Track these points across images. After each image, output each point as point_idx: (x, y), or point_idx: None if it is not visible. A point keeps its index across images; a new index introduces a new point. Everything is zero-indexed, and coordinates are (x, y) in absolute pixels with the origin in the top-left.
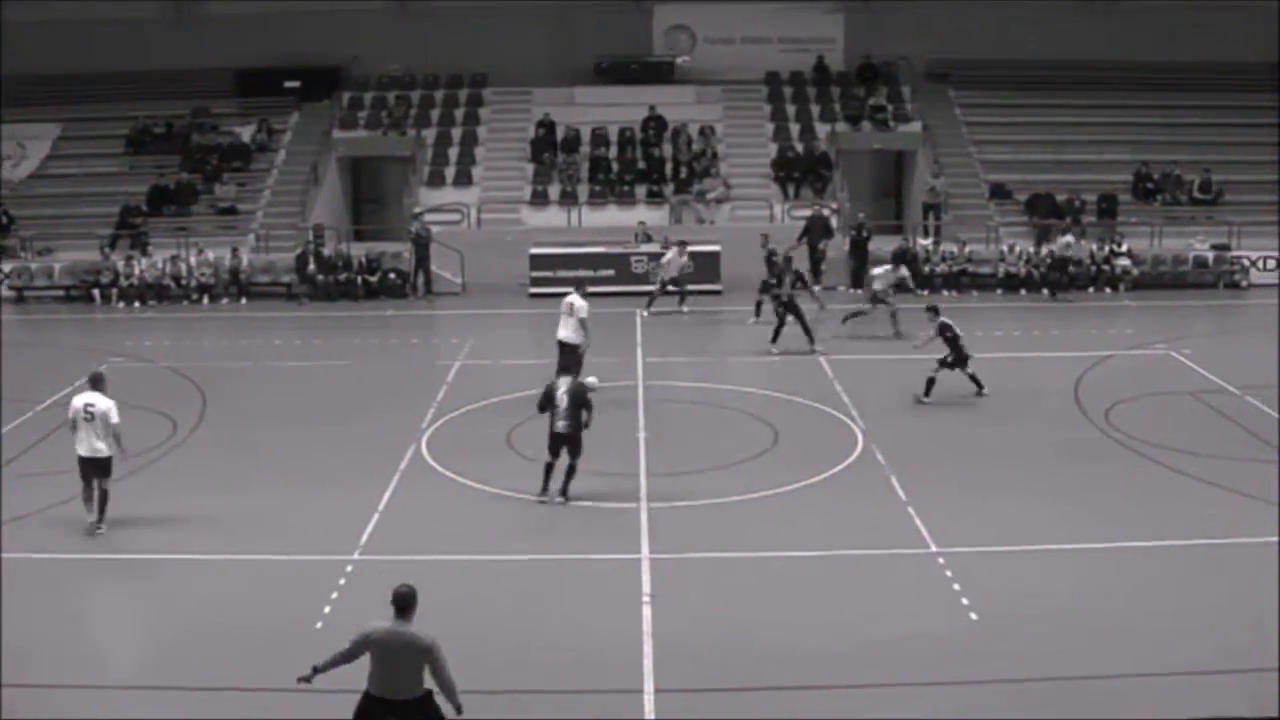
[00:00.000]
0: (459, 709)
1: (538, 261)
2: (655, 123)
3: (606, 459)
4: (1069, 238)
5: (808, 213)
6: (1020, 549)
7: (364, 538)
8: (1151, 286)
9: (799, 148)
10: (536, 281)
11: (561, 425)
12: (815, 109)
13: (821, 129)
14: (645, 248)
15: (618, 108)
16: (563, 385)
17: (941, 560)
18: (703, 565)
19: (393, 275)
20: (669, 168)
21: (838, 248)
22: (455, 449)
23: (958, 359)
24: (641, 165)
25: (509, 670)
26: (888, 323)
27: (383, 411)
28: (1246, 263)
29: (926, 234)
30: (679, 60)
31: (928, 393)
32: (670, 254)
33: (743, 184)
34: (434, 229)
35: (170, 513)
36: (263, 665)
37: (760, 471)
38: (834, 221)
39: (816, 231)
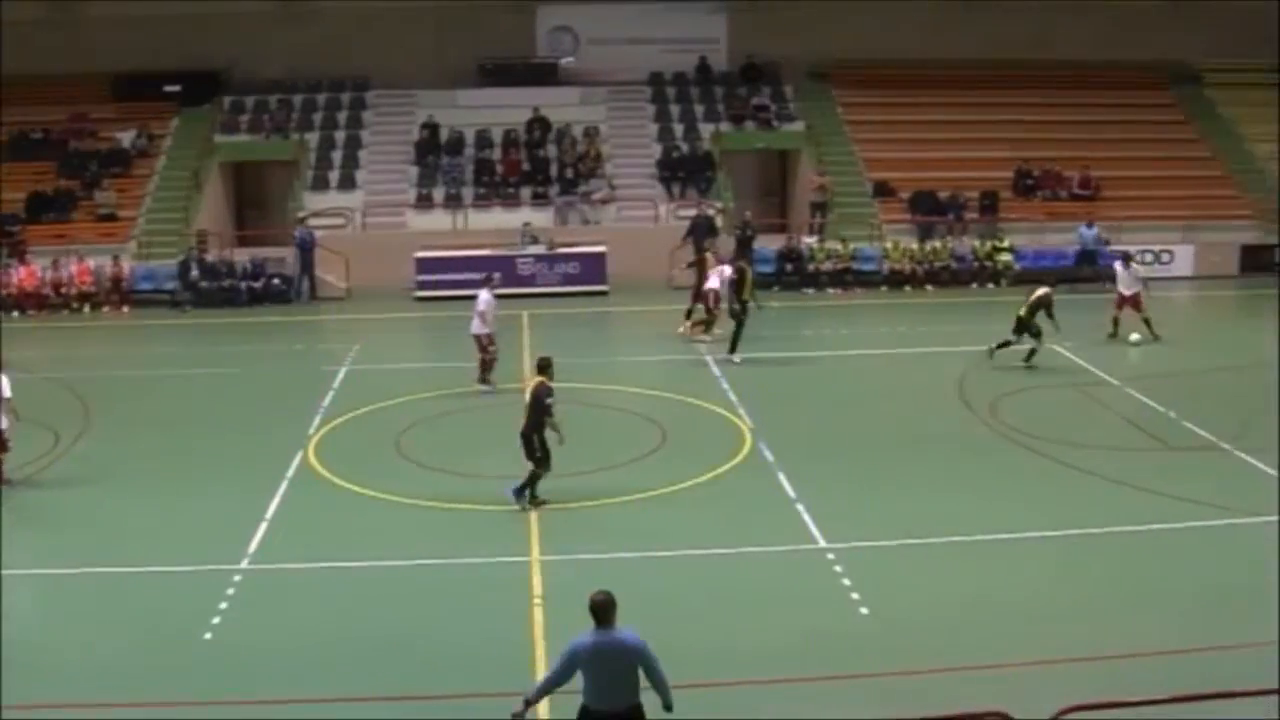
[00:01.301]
0: (669, 707)
1: (423, 265)
2: (539, 124)
3: (493, 461)
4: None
5: (693, 213)
6: (909, 543)
7: (252, 547)
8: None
9: (683, 148)
10: (422, 285)
11: (523, 425)
12: (699, 109)
13: (705, 129)
14: (531, 249)
15: (502, 109)
16: (530, 383)
17: (831, 556)
18: (594, 566)
19: (277, 281)
20: (554, 169)
21: (723, 247)
22: (343, 455)
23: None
24: (526, 167)
25: (401, 675)
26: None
27: (269, 419)
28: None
29: (811, 232)
30: (562, 61)
31: (1028, 358)
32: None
33: (627, 184)
34: (318, 233)
35: (54, 526)
36: (151, 678)
37: (649, 471)
38: (719, 221)
39: (701, 231)
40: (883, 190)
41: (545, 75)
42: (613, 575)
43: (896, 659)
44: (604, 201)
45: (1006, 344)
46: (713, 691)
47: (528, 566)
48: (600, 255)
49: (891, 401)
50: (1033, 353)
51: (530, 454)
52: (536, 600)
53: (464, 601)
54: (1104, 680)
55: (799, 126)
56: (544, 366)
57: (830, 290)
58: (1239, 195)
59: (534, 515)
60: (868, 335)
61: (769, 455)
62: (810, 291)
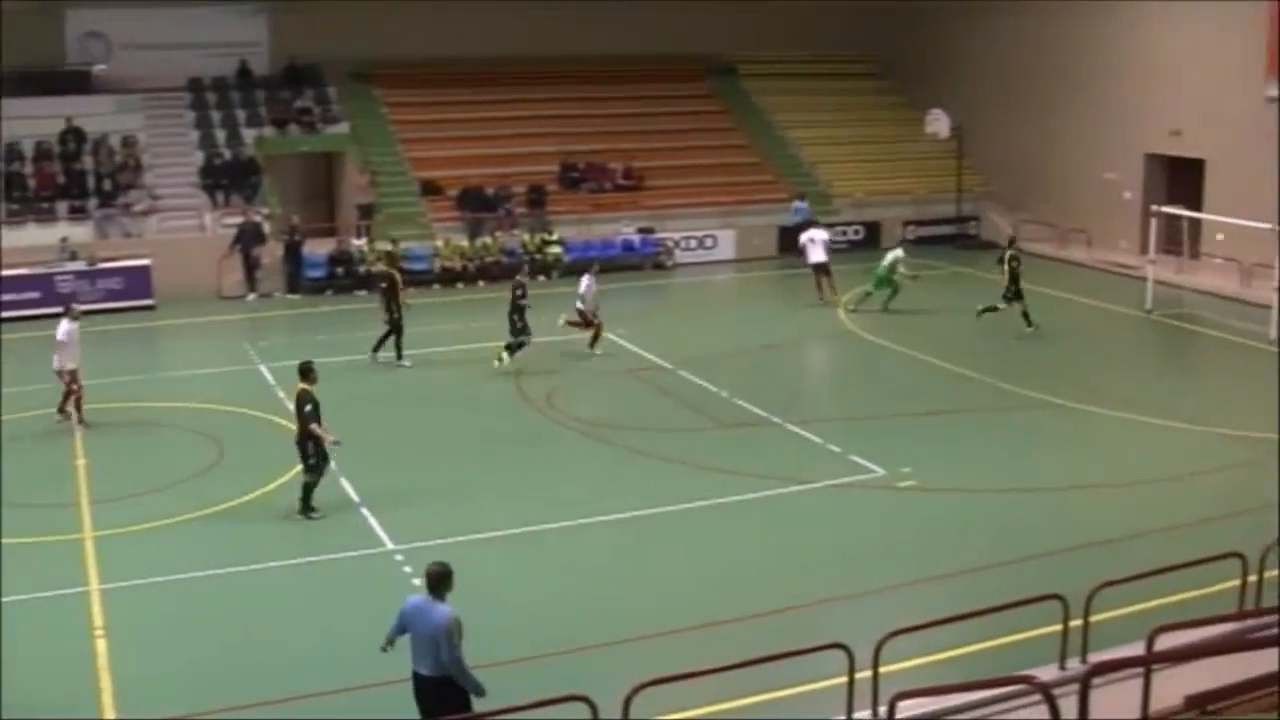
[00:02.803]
0: (477, 690)
1: None
2: (73, 135)
3: (41, 491)
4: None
5: (239, 220)
6: (476, 537)
7: None
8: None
9: (226, 154)
10: None
11: (296, 434)
12: (241, 114)
13: (249, 134)
14: (71, 265)
15: (31, 120)
16: (297, 390)
17: (400, 557)
18: (159, 590)
19: None
20: (91, 181)
21: (271, 253)
22: None
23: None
24: (61, 180)
25: None
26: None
27: None
28: (671, 244)
29: (360, 234)
30: (95, 69)
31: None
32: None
33: (170, 194)
34: None
35: None
36: None
37: (208, 487)
38: (266, 227)
39: (249, 238)
40: (430, 189)
41: (77, 83)
42: (179, 597)
43: (473, 653)
44: (146, 213)
45: (993, 309)
46: (298, 704)
47: (87, 597)
48: (144, 268)
49: (450, 399)
50: (1026, 315)
51: (305, 461)
52: (98, 631)
53: (21, 639)
54: (679, 653)
55: (343, 128)
56: (305, 372)
57: None
58: (776, 180)
59: (90, 543)
60: (423, 334)
61: (330, 462)
62: (362, 294)
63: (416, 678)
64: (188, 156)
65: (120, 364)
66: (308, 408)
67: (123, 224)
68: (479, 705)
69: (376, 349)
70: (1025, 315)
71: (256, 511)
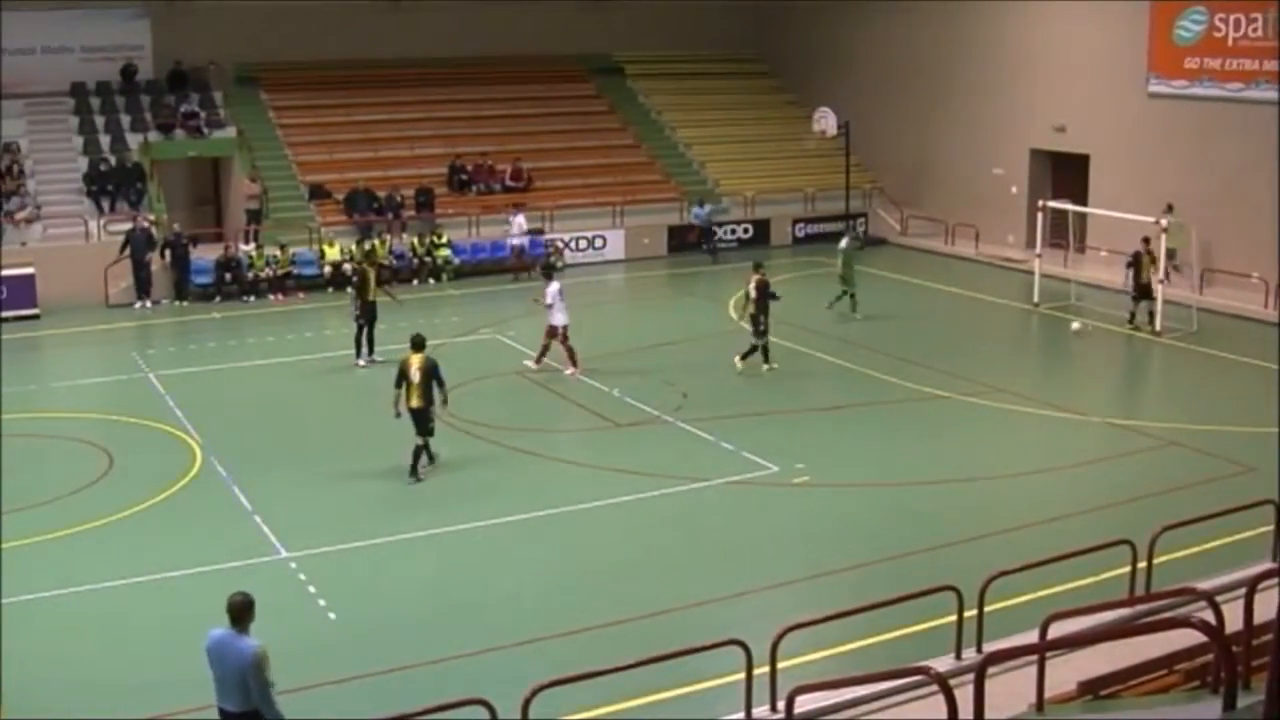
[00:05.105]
0: None
1: None
2: None
3: None
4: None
5: (127, 226)
6: (369, 543)
7: None
8: (473, 275)
9: (112, 160)
10: None
11: (415, 400)
12: (126, 119)
13: (134, 139)
14: None
15: None
16: (415, 361)
17: (294, 565)
18: (49, 604)
19: None
20: None
21: (160, 260)
22: None
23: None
24: None
25: None
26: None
27: None
28: (560, 244)
29: (248, 240)
30: None
31: (1151, 320)
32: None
33: (54, 201)
34: None
35: None
36: None
37: (97, 500)
38: (154, 233)
39: (139, 245)
40: (318, 192)
41: None
42: (70, 610)
43: (371, 659)
44: (29, 220)
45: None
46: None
47: None
48: (28, 277)
49: (342, 404)
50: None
51: (425, 427)
52: None
53: None
54: (578, 653)
55: (230, 133)
56: (421, 343)
57: (272, 296)
58: (664, 179)
59: None
60: (313, 340)
61: (222, 470)
62: (251, 299)
63: (223, 715)
64: (72, 163)
65: (5, 375)
66: (443, 369)
67: (5, 232)
68: (381, 709)
69: (370, 350)
70: (1132, 315)
71: (148, 523)
